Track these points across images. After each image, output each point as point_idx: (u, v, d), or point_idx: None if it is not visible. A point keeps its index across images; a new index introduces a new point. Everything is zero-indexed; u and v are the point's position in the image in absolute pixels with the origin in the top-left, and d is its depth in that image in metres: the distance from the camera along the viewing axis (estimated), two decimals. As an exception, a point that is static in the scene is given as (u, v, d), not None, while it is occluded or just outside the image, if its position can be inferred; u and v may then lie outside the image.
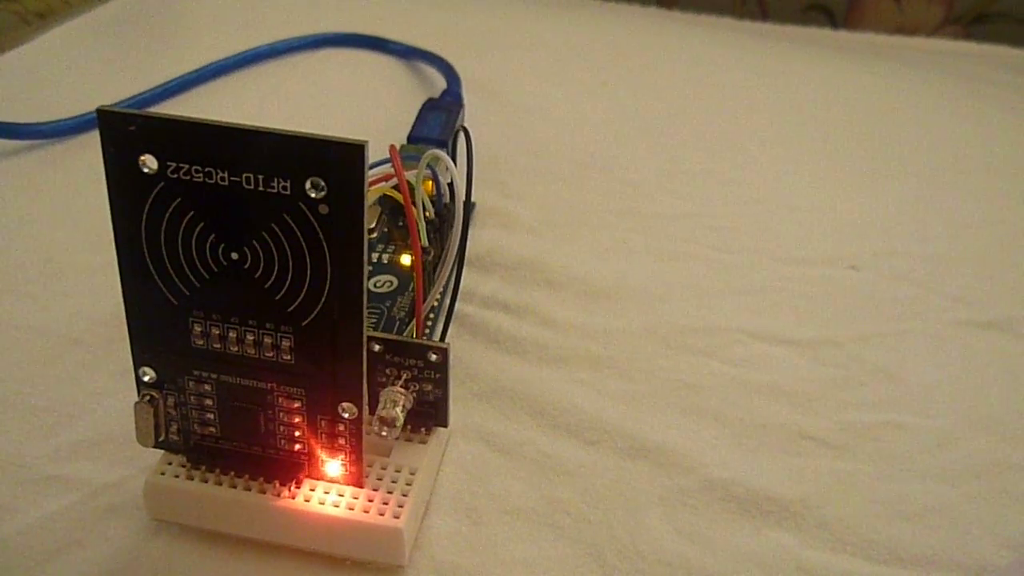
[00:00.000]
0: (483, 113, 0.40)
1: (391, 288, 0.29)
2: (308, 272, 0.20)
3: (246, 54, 0.44)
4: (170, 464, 0.23)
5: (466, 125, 0.28)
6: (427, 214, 0.29)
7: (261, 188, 0.20)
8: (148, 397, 0.22)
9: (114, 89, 0.40)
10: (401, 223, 0.31)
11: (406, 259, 0.30)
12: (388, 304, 0.29)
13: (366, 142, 0.19)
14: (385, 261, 0.30)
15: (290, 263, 0.20)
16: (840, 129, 0.42)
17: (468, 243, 0.33)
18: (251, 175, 0.20)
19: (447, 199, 0.30)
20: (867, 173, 0.39)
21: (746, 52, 0.49)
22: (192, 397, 0.23)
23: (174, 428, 0.23)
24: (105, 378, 0.27)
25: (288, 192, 0.20)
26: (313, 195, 0.20)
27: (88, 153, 0.37)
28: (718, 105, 0.44)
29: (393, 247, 0.31)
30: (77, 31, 0.47)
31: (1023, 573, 0.24)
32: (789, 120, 0.43)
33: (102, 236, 0.31)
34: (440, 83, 0.42)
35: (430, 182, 0.30)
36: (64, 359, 0.28)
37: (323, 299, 0.21)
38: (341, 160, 0.19)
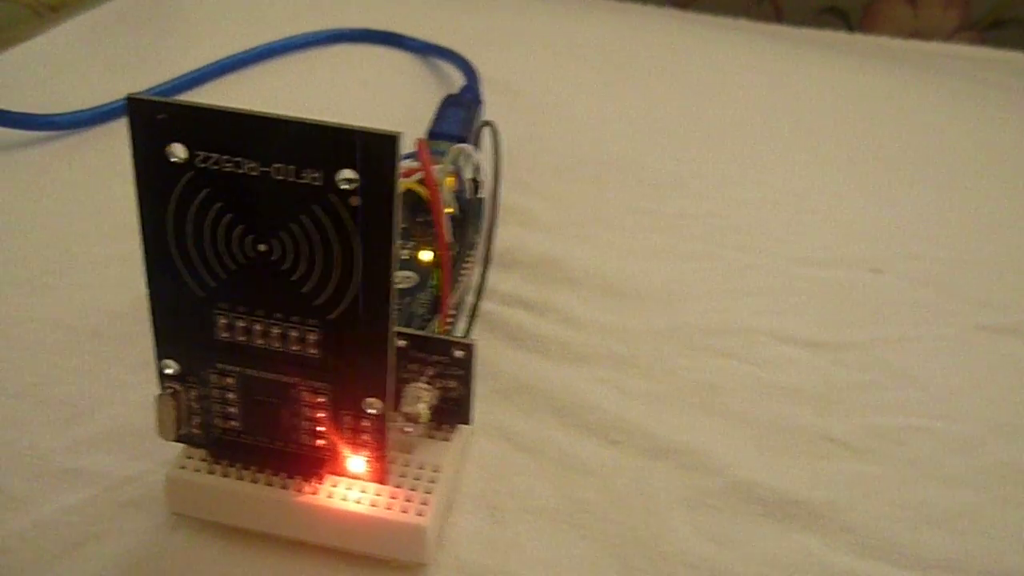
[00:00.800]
0: (501, 110, 0.40)
1: (411, 284, 0.29)
2: (337, 265, 0.20)
3: (261, 49, 0.43)
4: (191, 458, 0.23)
5: (475, 122, 0.27)
6: (450, 210, 0.28)
7: (291, 179, 0.19)
8: (170, 390, 0.22)
9: (127, 82, 0.40)
10: (420, 219, 0.31)
11: (426, 255, 0.30)
12: (408, 300, 0.28)
13: (400, 133, 0.19)
14: (405, 257, 0.30)
15: (319, 256, 0.20)
16: (857, 132, 0.42)
17: (489, 240, 0.33)
18: (281, 165, 0.19)
19: (469, 194, 0.30)
20: (884, 176, 0.39)
21: (760, 54, 0.49)
22: (215, 390, 0.22)
23: (196, 422, 0.23)
24: (124, 370, 0.27)
25: (319, 183, 0.19)
26: (344, 187, 0.19)
27: (104, 144, 0.37)
28: (734, 106, 0.43)
29: (413, 243, 0.30)
30: (91, 23, 0.47)
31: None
32: (805, 123, 0.43)
33: (119, 228, 0.31)
34: (456, 80, 0.41)
35: (452, 177, 0.30)
36: (82, 351, 0.28)
37: (351, 293, 0.20)
38: (374, 151, 0.19)
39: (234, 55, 0.43)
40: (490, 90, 0.40)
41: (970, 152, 0.42)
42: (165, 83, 0.40)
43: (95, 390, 0.27)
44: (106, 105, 0.38)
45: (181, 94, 0.41)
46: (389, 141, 0.19)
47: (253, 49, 0.43)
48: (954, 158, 0.41)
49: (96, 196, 0.34)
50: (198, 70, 0.42)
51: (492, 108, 0.40)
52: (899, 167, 0.40)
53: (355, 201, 0.19)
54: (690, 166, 0.38)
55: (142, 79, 0.40)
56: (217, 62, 0.42)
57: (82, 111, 0.37)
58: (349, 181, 0.19)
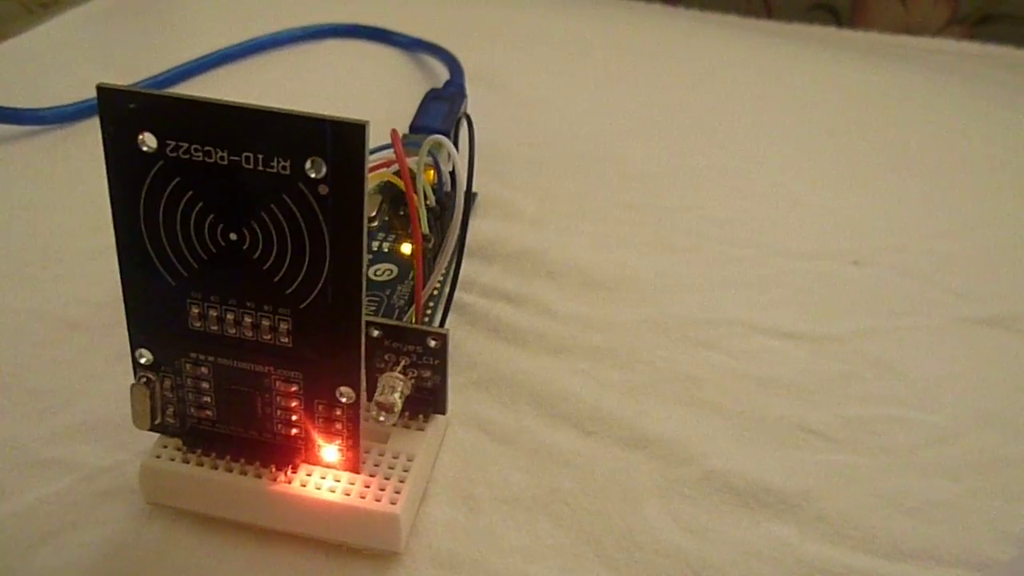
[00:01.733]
0: (486, 104, 0.40)
1: (391, 276, 0.29)
2: (307, 254, 0.20)
3: (249, 43, 0.44)
4: (166, 447, 0.23)
5: (459, 116, 0.27)
6: (428, 202, 0.28)
7: (261, 167, 0.20)
8: (144, 379, 0.22)
9: (116, 76, 0.39)
10: (402, 212, 0.31)
11: (406, 247, 0.30)
12: (388, 292, 0.28)
13: (367, 121, 0.19)
14: (386, 250, 0.30)
15: (289, 244, 0.20)
16: (844, 127, 0.42)
17: (469, 233, 0.33)
18: (251, 154, 0.20)
19: (448, 187, 0.30)
20: (871, 170, 0.39)
21: (750, 50, 0.49)
22: (189, 380, 0.22)
23: (170, 411, 0.23)
24: (103, 362, 0.27)
25: (288, 172, 0.20)
26: (313, 175, 0.19)
27: (87, 139, 0.37)
28: (722, 101, 0.43)
29: (394, 236, 0.31)
30: (80, 19, 0.47)
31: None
32: (793, 117, 0.43)
33: (101, 221, 0.31)
34: (444, 75, 0.42)
35: (432, 171, 0.30)
36: (62, 343, 0.28)
37: (322, 281, 0.21)
38: (342, 140, 0.19)
39: (223, 49, 0.43)
40: (475, 84, 0.41)
41: (958, 146, 0.42)
42: (153, 77, 0.40)
43: (74, 381, 0.27)
44: (90, 100, 0.38)
45: (168, 88, 0.41)
46: (357, 130, 0.19)
47: (242, 44, 0.44)
48: (942, 152, 0.41)
49: (80, 190, 0.34)
50: (186, 64, 0.42)
51: (477, 102, 0.40)
52: (887, 161, 0.40)
53: (324, 190, 0.20)
54: (675, 160, 0.38)
55: (132, 74, 0.40)
56: (206, 56, 0.42)
57: (66, 105, 0.37)
58: (317, 169, 0.19)
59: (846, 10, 0.59)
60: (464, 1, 0.50)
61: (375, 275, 0.29)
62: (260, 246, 0.20)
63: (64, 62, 0.43)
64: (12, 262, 0.31)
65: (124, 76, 0.40)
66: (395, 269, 0.29)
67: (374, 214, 0.31)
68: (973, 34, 0.58)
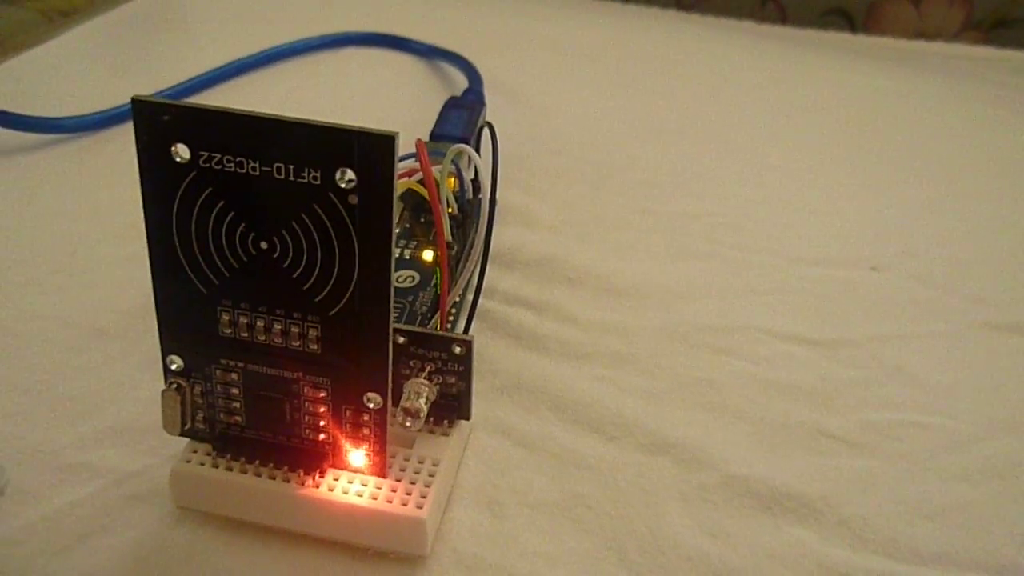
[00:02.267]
0: (504, 112, 0.40)
1: (413, 283, 0.29)
2: (336, 262, 0.21)
3: (268, 52, 0.44)
4: (195, 452, 0.24)
5: (478, 124, 0.28)
6: (450, 210, 0.29)
7: (291, 178, 0.20)
8: (175, 385, 0.23)
9: (136, 86, 0.39)
10: (423, 219, 0.31)
11: (428, 255, 0.30)
12: (410, 299, 0.29)
13: (397, 133, 0.19)
14: (407, 257, 0.30)
15: (318, 253, 0.21)
16: (859, 133, 0.42)
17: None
18: (282, 165, 0.20)
19: (470, 195, 0.30)
20: (886, 176, 0.39)
21: (765, 55, 0.50)
22: (219, 386, 0.23)
23: (200, 416, 0.23)
24: (130, 368, 0.28)
25: (318, 182, 0.20)
26: (343, 185, 0.20)
27: (111, 147, 0.38)
28: (737, 108, 0.44)
29: (415, 243, 0.31)
30: (100, 29, 0.48)
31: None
32: (808, 123, 0.43)
33: (126, 229, 0.32)
34: (461, 82, 0.42)
35: (453, 178, 0.30)
36: (90, 349, 0.28)
37: (351, 289, 0.21)
38: (372, 151, 0.19)
39: (241, 59, 0.43)
40: (493, 92, 0.41)
41: (973, 151, 0.42)
42: (173, 87, 0.41)
43: (102, 387, 0.27)
44: (112, 109, 0.38)
45: (189, 98, 0.41)
46: (386, 141, 0.19)
47: (261, 53, 0.44)
48: (957, 157, 0.41)
49: (103, 198, 0.34)
50: (206, 74, 0.42)
51: (495, 110, 0.40)
52: (902, 166, 0.40)
53: (353, 200, 0.20)
54: (691, 166, 0.39)
55: (151, 83, 0.41)
56: (225, 66, 0.43)
57: (89, 115, 0.38)
58: (347, 180, 0.20)
59: (860, 15, 0.59)
60: (480, 9, 0.50)
61: (398, 282, 0.29)
62: (290, 255, 0.21)
63: (84, 71, 0.44)
64: (39, 270, 0.31)
65: (144, 86, 0.40)
66: (417, 276, 0.30)
67: (396, 222, 0.31)
68: (988, 39, 0.58)
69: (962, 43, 0.56)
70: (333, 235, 0.20)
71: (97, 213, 0.34)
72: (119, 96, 0.39)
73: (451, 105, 0.37)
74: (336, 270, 0.21)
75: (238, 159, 0.20)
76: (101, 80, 0.43)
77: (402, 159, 0.28)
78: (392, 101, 0.41)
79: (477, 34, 0.47)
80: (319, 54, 0.45)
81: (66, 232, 0.33)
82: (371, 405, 0.22)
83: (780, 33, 0.55)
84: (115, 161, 0.36)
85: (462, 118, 0.36)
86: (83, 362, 0.28)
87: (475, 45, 0.44)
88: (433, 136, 0.35)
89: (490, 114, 0.40)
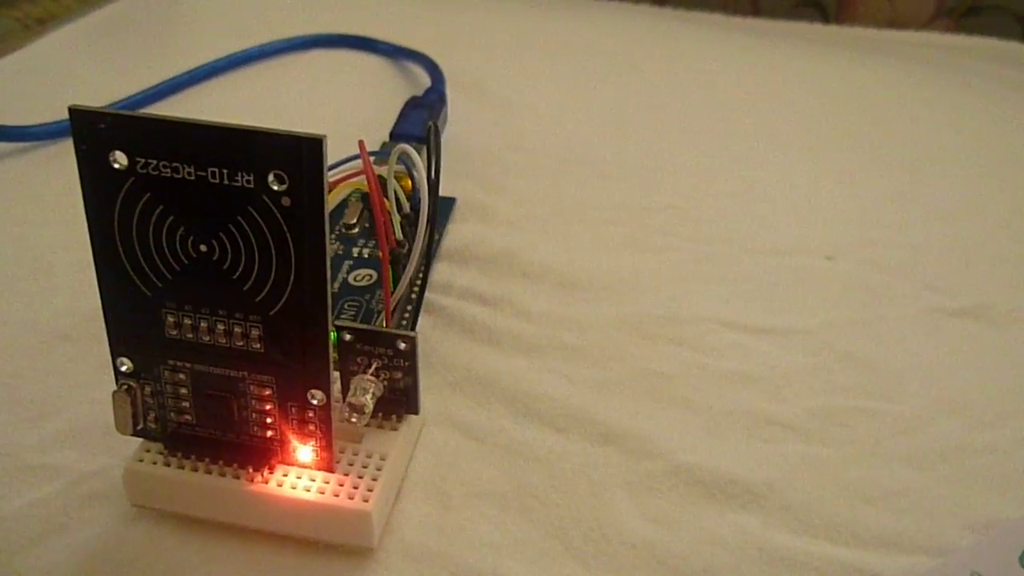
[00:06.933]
0: (467, 110, 0.41)
1: (371, 282, 0.30)
2: (274, 263, 0.21)
3: (237, 56, 0.44)
4: (148, 452, 0.24)
5: (438, 122, 0.28)
6: (403, 209, 0.29)
7: (226, 182, 0.20)
8: (125, 386, 0.23)
9: (109, 91, 0.41)
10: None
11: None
12: (368, 297, 0.29)
13: (324, 136, 0.20)
14: (366, 256, 0.31)
15: (256, 254, 0.21)
16: (828, 123, 0.43)
17: (447, 237, 0.33)
18: (216, 169, 0.20)
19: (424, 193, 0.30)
20: (852, 165, 0.39)
21: (737, 48, 0.50)
22: (168, 386, 0.23)
23: (151, 416, 0.24)
24: (90, 371, 0.28)
25: (252, 186, 0.20)
26: (275, 188, 0.20)
27: (74, 156, 0.38)
28: (704, 101, 0.44)
29: (374, 242, 0.31)
30: (74, 35, 0.48)
31: (987, 554, 0.24)
32: (777, 115, 0.43)
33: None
34: (426, 82, 0.42)
35: (406, 178, 0.30)
36: (51, 353, 0.29)
37: (289, 289, 0.21)
38: (302, 154, 0.20)
39: (212, 62, 0.44)
40: (456, 90, 0.41)
41: (939, 139, 0.42)
42: (141, 92, 0.41)
43: (62, 389, 0.28)
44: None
45: (158, 102, 0.42)
46: (315, 144, 0.20)
47: (231, 56, 0.44)
48: (924, 145, 0.41)
49: (67, 205, 0.35)
50: (176, 77, 0.43)
51: (458, 107, 0.40)
52: (868, 156, 0.40)
53: (286, 201, 0.20)
54: (653, 160, 0.39)
55: (124, 88, 0.41)
56: (196, 69, 0.43)
57: (52, 123, 0.38)
58: (279, 182, 0.20)
59: (832, 6, 0.60)
60: (447, 8, 0.51)
61: (355, 280, 0.30)
62: (229, 257, 0.21)
63: (59, 78, 0.44)
64: (4, 275, 0.32)
65: (116, 91, 0.41)
66: (375, 274, 0.30)
67: (354, 221, 0.32)
68: (958, 27, 0.58)
69: (933, 31, 0.56)
70: (269, 237, 0.21)
71: (61, 219, 0.34)
72: (92, 103, 0.39)
73: (411, 104, 0.38)
74: (274, 271, 0.21)
75: (174, 165, 0.21)
76: (75, 87, 0.43)
77: (353, 159, 0.29)
78: (357, 102, 0.42)
79: (443, 33, 0.47)
80: (288, 56, 0.46)
81: (30, 239, 0.34)
82: (315, 401, 0.23)
83: (751, 25, 0.55)
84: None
85: (422, 117, 0.37)
86: (45, 365, 0.29)
87: (441, 44, 0.44)
88: (393, 135, 0.36)
89: (452, 112, 0.40)
